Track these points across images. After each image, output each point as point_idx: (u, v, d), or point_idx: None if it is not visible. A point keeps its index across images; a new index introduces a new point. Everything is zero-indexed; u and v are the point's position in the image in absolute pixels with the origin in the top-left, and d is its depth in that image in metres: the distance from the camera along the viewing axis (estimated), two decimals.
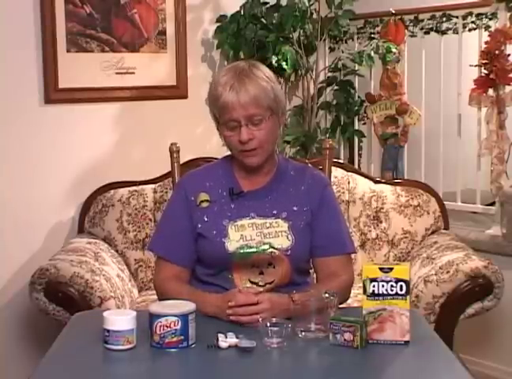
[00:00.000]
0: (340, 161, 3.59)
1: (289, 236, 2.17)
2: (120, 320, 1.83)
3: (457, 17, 3.50)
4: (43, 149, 3.31)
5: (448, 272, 2.76)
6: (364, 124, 3.94)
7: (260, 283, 2.18)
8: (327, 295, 1.92)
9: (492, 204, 3.48)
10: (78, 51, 3.36)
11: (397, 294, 1.84)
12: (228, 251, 2.16)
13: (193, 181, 2.27)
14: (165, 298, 2.07)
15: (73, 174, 3.40)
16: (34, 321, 3.23)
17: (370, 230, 3.29)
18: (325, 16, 3.74)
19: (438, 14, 3.55)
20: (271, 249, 2.17)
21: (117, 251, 3.22)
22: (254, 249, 2.16)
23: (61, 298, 2.76)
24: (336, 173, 3.25)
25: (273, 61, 3.56)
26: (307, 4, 3.63)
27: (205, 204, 2.21)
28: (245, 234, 2.17)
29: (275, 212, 2.19)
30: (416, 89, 3.67)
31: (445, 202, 3.36)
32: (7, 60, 3.20)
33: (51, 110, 3.32)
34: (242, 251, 2.16)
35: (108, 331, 1.82)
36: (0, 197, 3.21)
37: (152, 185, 3.33)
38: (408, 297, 1.85)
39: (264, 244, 2.17)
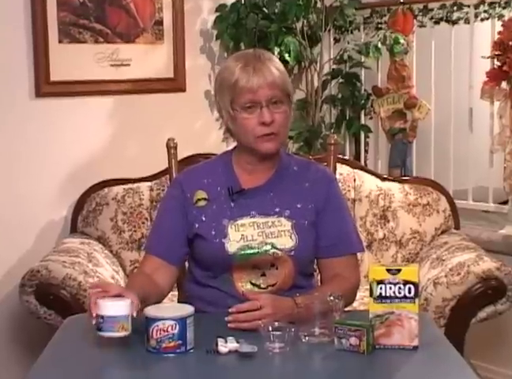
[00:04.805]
0: (345, 157, 3.59)
1: (292, 235, 2.17)
2: (116, 305, 1.84)
3: (468, 6, 3.49)
4: (34, 145, 3.32)
5: (459, 273, 2.76)
6: (371, 118, 3.94)
7: (262, 286, 2.18)
8: (332, 298, 1.92)
9: (505, 202, 3.48)
10: (71, 42, 3.36)
11: (405, 296, 1.84)
12: (229, 252, 2.16)
13: (190, 178, 2.26)
14: None
15: (66, 172, 3.40)
16: (24, 325, 3.23)
17: (377, 230, 3.29)
18: (329, 5, 3.74)
19: (448, 3, 3.55)
20: (273, 250, 2.16)
21: (111, 252, 3.23)
22: (255, 250, 2.16)
23: (52, 301, 2.76)
24: (342, 170, 3.25)
25: (276, 53, 3.56)
26: None
27: (202, 203, 2.21)
28: (246, 234, 2.17)
29: (277, 209, 2.19)
30: (425, 82, 3.67)
31: (455, 200, 3.36)
32: None
33: (42, 103, 3.32)
34: (243, 252, 2.16)
35: (103, 317, 1.82)
36: None
37: (149, 183, 3.34)
38: (416, 300, 1.85)
39: (266, 244, 2.16)
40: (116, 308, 1.83)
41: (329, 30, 3.85)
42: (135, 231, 3.25)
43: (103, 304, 1.83)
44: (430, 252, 3.10)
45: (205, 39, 3.76)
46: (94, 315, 1.84)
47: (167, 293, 2.20)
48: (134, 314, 1.86)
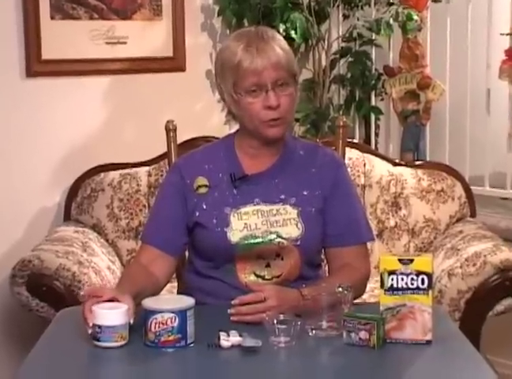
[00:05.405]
0: (354, 141, 3.60)
1: (299, 224, 2.17)
2: (113, 314, 1.83)
3: None
4: (25, 128, 3.31)
5: (475, 264, 2.76)
6: (382, 100, 3.93)
7: (266, 277, 2.18)
8: (340, 289, 1.92)
9: None
10: (64, 19, 3.35)
11: (418, 288, 1.84)
12: (231, 242, 2.16)
13: (190, 164, 2.26)
14: None
15: (59, 156, 3.40)
16: (15, 318, 3.24)
17: (388, 218, 3.29)
18: None
19: None
20: (279, 239, 2.17)
21: (107, 240, 3.23)
22: (259, 240, 2.16)
23: (45, 293, 2.77)
24: (351, 154, 3.24)
25: (281, 30, 3.55)
26: None
27: (203, 190, 2.21)
28: (249, 223, 2.17)
29: (283, 197, 2.19)
30: (439, 61, 3.66)
31: (471, 187, 3.36)
32: None
33: (34, 84, 3.32)
34: (246, 242, 2.16)
35: (100, 327, 1.82)
36: None
37: (147, 168, 3.34)
38: (430, 292, 1.85)
39: (270, 233, 2.16)
40: (114, 317, 1.83)
41: (338, 6, 3.83)
42: (132, 219, 3.26)
43: (100, 313, 1.82)
44: (444, 241, 3.10)
45: (206, 16, 3.75)
46: (91, 325, 1.83)
47: (164, 285, 2.21)
48: (131, 321, 1.85)
